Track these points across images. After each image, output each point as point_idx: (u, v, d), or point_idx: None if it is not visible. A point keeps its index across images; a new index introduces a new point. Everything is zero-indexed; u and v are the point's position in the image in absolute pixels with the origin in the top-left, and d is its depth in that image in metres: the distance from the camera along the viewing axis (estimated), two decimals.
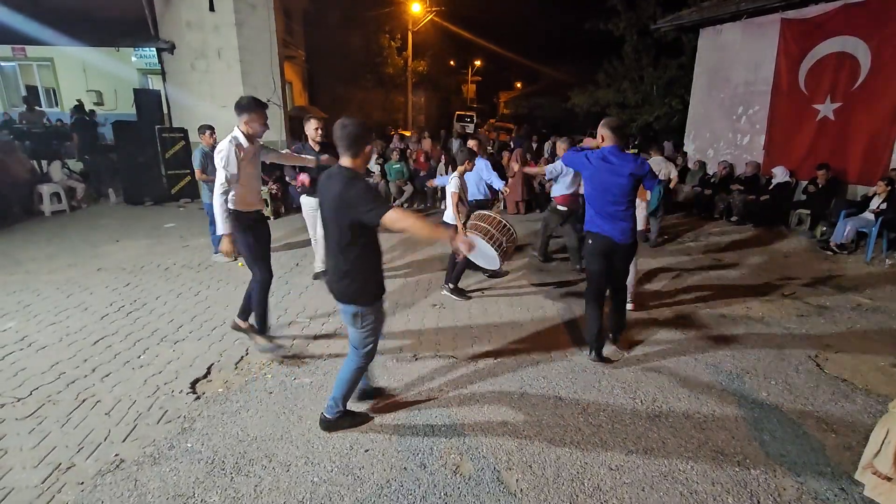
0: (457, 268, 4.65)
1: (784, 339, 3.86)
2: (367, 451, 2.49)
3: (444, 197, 9.69)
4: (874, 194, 6.31)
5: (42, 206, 8.02)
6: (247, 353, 3.56)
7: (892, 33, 6.64)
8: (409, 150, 10.71)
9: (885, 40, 6.73)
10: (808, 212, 7.34)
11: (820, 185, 7.22)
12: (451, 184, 4.51)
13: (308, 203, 4.92)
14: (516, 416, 2.79)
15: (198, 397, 2.99)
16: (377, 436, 2.61)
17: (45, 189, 8.04)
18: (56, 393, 3.00)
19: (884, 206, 6.12)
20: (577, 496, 2.19)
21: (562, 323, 4.12)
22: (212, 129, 5.88)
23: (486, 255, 4.01)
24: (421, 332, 3.93)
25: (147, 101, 9.32)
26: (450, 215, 4.57)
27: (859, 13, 7.01)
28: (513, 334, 3.89)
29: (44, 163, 8.96)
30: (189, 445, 2.53)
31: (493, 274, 5.25)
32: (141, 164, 8.99)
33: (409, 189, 9.54)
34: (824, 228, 6.98)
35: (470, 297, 4.65)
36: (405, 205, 9.54)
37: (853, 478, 2.28)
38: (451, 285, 4.69)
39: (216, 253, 5.94)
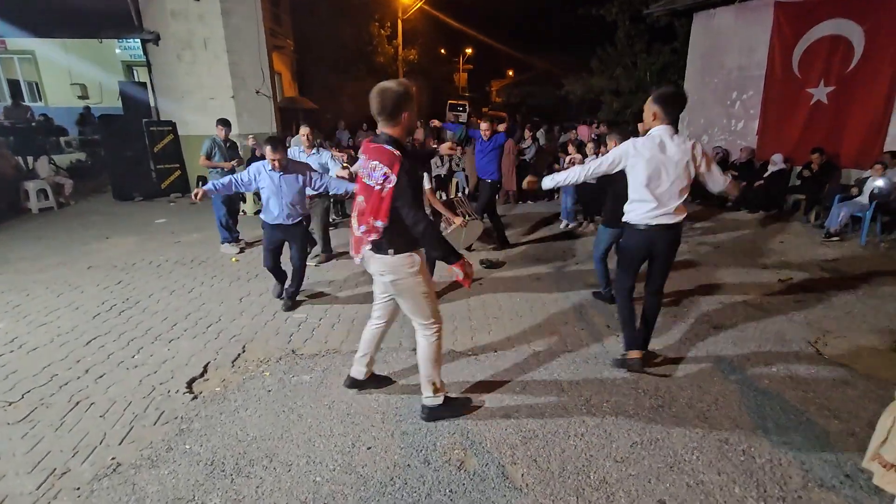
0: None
1: (783, 325, 3.86)
2: (369, 448, 2.45)
3: (439, 187, 9.62)
4: (867, 178, 6.31)
5: (29, 203, 7.86)
6: (243, 351, 3.50)
7: (885, 15, 6.61)
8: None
9: (879, 23, 6.69)
10: (803, 197, 7.35)
11: (814, 170, 7.23)
12: (424, 180, 4.36)
13: None
14: (519, 408, 2.77)
15: (195, 397, 2.93)
16: (379, 432, 2.58)
17: (32, 186, 7.87)
18: (49, 396, 2.93)
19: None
20: (584, 489, 2.17)
21: (560, 313, 4.10)
22: (227, 123, 5.92)
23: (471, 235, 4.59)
24: None
25: (133, 94, 9.12)
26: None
27: None
28: (512, 326, 3.86)
29: (29, 159, 8.79)
30: (187, 447, 2.48)
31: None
32: (129, 158, 8.83)
33: None
34: (819, 212, 7.01)
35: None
36: None
37: (858, 465, 2.28)
38: None
39: (223, 243, 5.88)
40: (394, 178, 2.18)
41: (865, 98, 6.90)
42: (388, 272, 2.40)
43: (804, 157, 7.47)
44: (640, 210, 2.85)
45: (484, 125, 5.89)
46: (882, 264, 5.31)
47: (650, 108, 2.80)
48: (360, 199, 2.41)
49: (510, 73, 42.90)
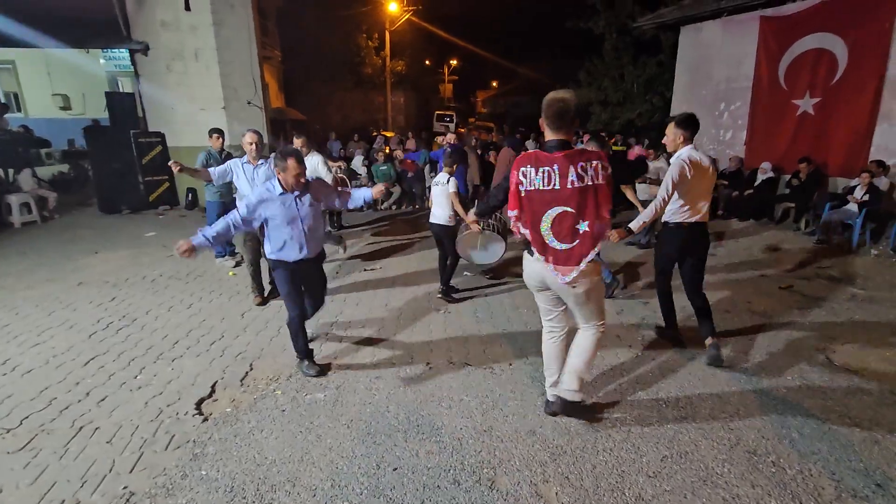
0: (447, 270, 4.65)
1: (790, 332, 3.90)
2: (395, 469, 2.37)
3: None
4: (854, 187, 6.47)
5: (11, 217, 7.58)
6: (251, 369, 3.39)
7: (867, 29, 6.84)
8: (394, 151, 10.57)
9: (861, 36, 6.92)
10: (792, 205, 7.51)
11: (802, 179, 7.40)
12: (450, 185, 4.43)
13: None
14: (543, 423, 2.72)
15: (205, 419, 2.82)
16: (403, 452, 2.50)
17: (14, 199, 7.60)
18: (49, 421, 2.78)
19: (866, 197, 6.31)
20: None
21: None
22: (221, 132, 5.78)
23: (489, 251, 4.82)
24: (430, 341, 3.82)
25: (120, 105, 8.92)
26: (439, 215, 4.53)
27: (836, 10, 7.20)
28: (522, 337, 3.82)
29: (10, 171, 8.51)
30: (203, 473, 2.37)
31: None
32: (116, 170, 8.61)
33: (397, 191, 9.40)
34: (809, 220, 7.17)
35: (460, 293, 4.76)
36: (393, 207, 9.41)
37: (887, 474, 2.30)
38: (443, 287, 4.69)
39: (217, 257, 5.74)
40: (608, 166, 2.34)
41: (850, 109, 7.11)
42: (585, 280, 2.43)
43: (792, 166, 7.65)
44: (682, 213, 3.27)
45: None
46: (874, 270, 5.43)
47: (677, 132, 3.19)
48: (558, 210, 2.37)
49: (495, 83, 43.45)
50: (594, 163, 2.31)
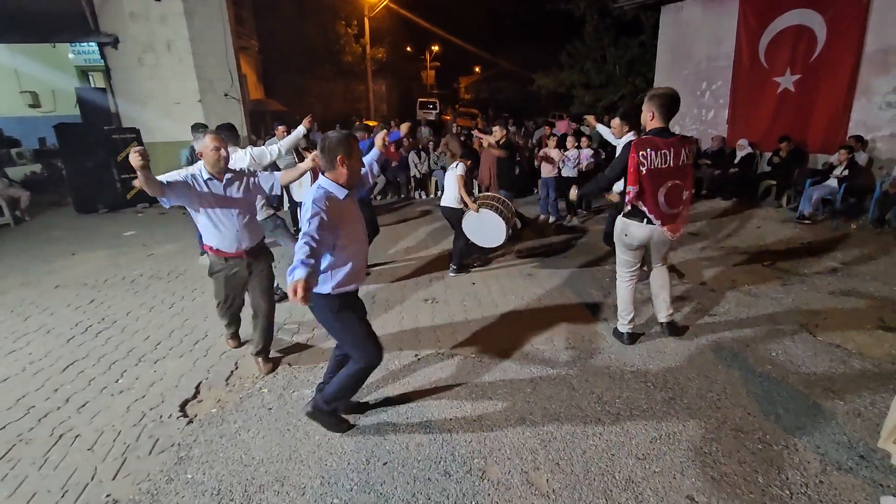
0: (459, 248, 4.95)
1: (774, 309, 3.94)
2: (385, 463, 2.35)
3: (418, 187, 9.50)
4: (838, 163, 6.54)
5: None
6: (236, 368, 3.33)
7: (844, 5, 6.86)
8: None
9: (838, 12, 6.95)
10: (774, 182, 7.59)
11: (783, 157, 7.46)
12: (458, 168, 4.78)
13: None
14: (533, 410, 2.72)
15: (190, 421, 2.76)
16: (393, 446, 2.48)
17: None
18: (27, 430, 2.70)
19: (846, 172, 6.38)
20: (611, 490, 2.14)
21: (557, 308, 4.08)
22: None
23: (491, 232, 4.71)
24: (418, 330, 3.79)
25: (91, 101, 8.65)
26: (449, 198, 4.86)
27: None
28: (511, 324, 3.81)
29: None
30: (189, 476, 2.32)
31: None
32: (91, 169, 8.36)
33: (381, 180, 9.29)
34: (790, 197, 7.25)
35: (471, 270, 5.10)
36: (378, 197, 9.31)
37: (870, 445, 2.33)
38: (454, 266, 5.00)
39: (203, 255, 5.61)
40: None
41: (829, 85, 7.15)
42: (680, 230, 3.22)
43: (773, 143, 7.70)
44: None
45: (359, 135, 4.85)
46: (854, 245, 5.51)
47: (622, 124, 4.34)
48: (671, 182, 3.04)
49: (477, 69, 43.01)
50: (690, 147, 3.06)
